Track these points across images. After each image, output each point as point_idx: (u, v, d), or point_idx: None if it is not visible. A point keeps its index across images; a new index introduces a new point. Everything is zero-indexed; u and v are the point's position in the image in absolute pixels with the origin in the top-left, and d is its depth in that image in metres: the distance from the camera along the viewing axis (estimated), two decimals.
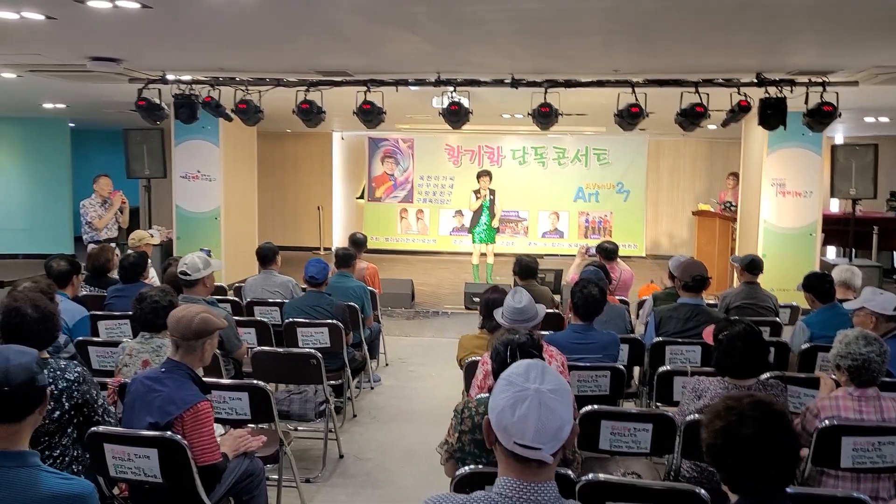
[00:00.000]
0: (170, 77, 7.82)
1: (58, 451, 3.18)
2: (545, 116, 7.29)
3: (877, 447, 3.24)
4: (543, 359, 2.97)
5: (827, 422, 3.27)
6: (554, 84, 7.27)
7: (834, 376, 3.51)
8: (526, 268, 6.20)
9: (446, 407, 3.44)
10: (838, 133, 13.27)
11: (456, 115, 7.43)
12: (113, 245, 8.72)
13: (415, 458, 5.21)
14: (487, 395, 2.98)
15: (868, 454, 3.25)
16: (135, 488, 3.34)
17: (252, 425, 4.19)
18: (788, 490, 2.75)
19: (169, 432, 3.12)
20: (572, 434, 1.82)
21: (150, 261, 6.90)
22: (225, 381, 4.26)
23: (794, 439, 2.01)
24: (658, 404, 4.54)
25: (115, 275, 6.30)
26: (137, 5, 4.71)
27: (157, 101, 7.86)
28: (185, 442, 3.10)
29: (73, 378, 3.18)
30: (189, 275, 4.90)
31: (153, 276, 6.66)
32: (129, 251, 6.40)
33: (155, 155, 10.16)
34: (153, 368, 3.45)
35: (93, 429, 3.20)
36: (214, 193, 10.34)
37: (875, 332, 4.11)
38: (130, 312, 5.25)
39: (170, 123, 9.33)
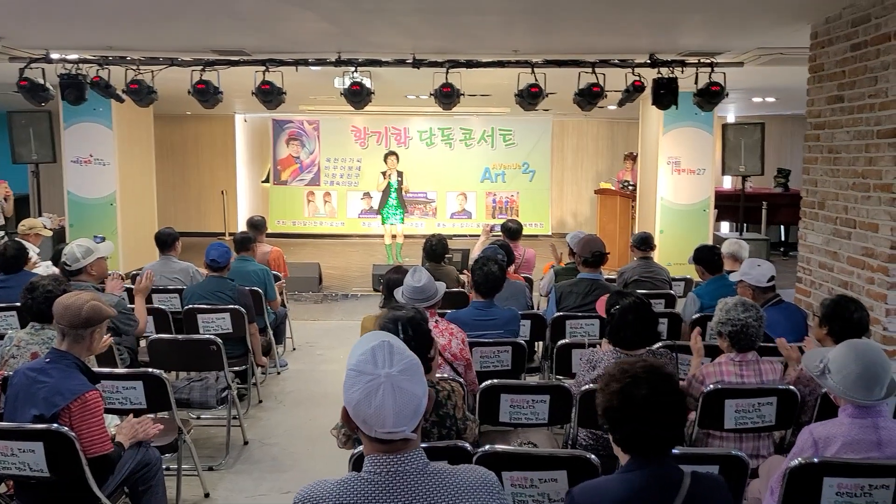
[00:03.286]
0: (54, 56, 7.43)
1: None
2: (447, 97, 7.32)
3: (756, 408, 3.44)
4: (430, 331, 2.99)
5: (712, 386, 3.44)
6: (455, 64, 7.30)
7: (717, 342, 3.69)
8: (432, 252, 6.24)
9: None
10: (730, 113, 13.87)
11: (358, 96, 7.37)
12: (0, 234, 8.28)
13: (321, 442, 5.16)
14: None
15: (749, 415, 3.44)
16: (20, 484, 3.21)
17: (150, 415, 4.08)
18: (675, 451, 2.90)
19: (55, 424, 3.00)
20: (429, 402, 1.83)
21: (38, 249, 6.61)
22: (118, 370, 4.13)
23: (681, 400, 2.12)
24: (559, 377, 4.67)
25: None
26: None
27: (42, 82, 7.46)
28: (73, 434, 2.99)
29: None
30: (69, 266, 4.73)
31: (41, 264, 6.36)
32: (6, 241, 6.05)
33: (43, 139, 9.65)
34: (37, 360, 3.30)
35: None
36: (109, 178, 9.93)
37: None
38: (17, 303, 5.02)
39: (57, 105, 8.88)
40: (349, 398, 1.79)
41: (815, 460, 2.65)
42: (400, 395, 1.75)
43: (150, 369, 3.96)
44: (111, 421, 3.81)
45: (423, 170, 14.64)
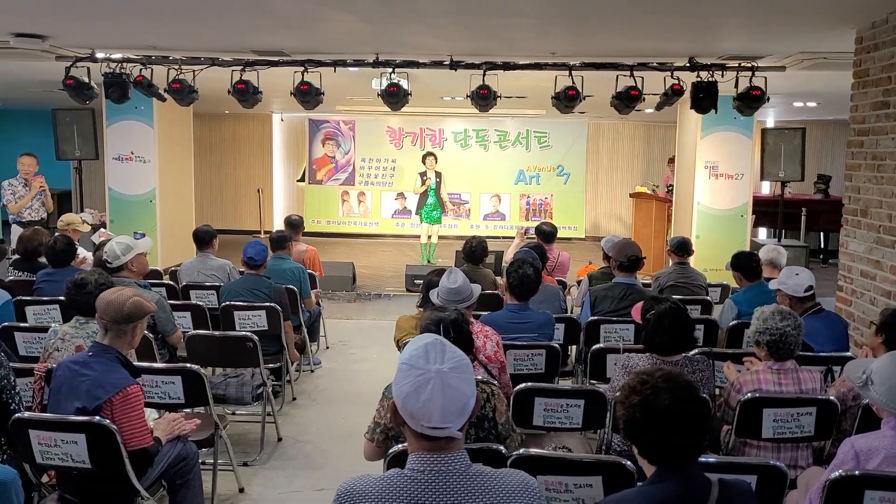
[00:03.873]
0: (99, 55, 7.58)
1: None
2: (484, 98, 7.32)
3: (795, 418, 3.38)
4: (471, 336, 3.00)
5: (749, 395, 3.39)
6: (492, 66, 7.30)
7: (751, 359, 3.65)
8: (471, 254, 6.24)
9: None
10: (770, 118, 13.67)
11: (395, 97, 7.40)
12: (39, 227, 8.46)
13: (354, 440, 5.14)
14: None
15: (787, 424, 3.39)
16: (63, 474, 3.27)
17: (187, 410, 4.14)
18: (711, 459, 2.88)
19: (98, 417, 3.06)
20: (476, 403, 1.86)
21: (78, 244, 6.77)
22: (158, 364, 4.19)
23: (704, 407, 2.09)
24: (592, 381, 4.65)
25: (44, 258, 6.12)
26: None
27: (87, 81, 7.62)
28: (115, 426, 3.05)
29: None
30: (111, 263, 4.82)
31: (87, 258, 6.52)
32: (57, 235, 6.22)
33: (86, 136, 9.85)
34: (80, 353, 3.37)
35: (17, 415, 3.13)
36: (149, 176, 10.11)
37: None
38: (61, 297, 5.13)
39: (101, 103, 9.06)
40: (399, 391, 1.82)
41: (857, 473, 2.60)
42: (448, 391, 1.78)
43: (188, 364, 4.01)
44: (149, 415, 3.88)
45: (458, 171, 14.64)
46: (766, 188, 13.36)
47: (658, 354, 3.59)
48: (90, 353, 3.25)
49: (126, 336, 3.31)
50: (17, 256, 6.27)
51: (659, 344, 3.59)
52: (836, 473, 2.62)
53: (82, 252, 6.66)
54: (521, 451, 2.80)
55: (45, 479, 3.45)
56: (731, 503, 2.01)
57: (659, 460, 2.06)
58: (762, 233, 12.73)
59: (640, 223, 11.62)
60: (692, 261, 7.13)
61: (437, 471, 1.81)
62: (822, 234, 12.59)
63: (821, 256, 12.41)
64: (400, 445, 2.80)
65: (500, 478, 1.85)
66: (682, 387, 2.06)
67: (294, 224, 7.45)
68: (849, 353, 4.20)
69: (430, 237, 11.45)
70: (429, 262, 11.30)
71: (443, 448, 1.82)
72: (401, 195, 15.00)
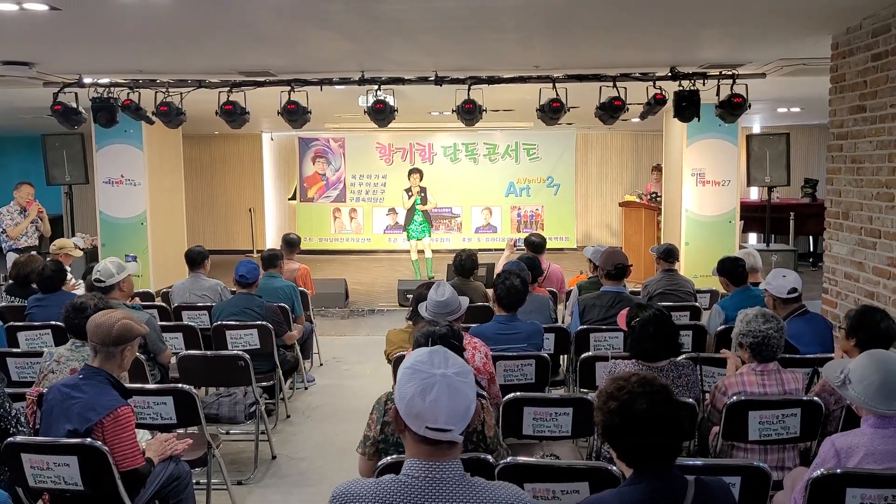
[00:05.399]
0: (86, 80, 7.63)
1: None
2: (469, 113, 7.39)
3: (780, 419, 3.43)
4: (465, 350, 3.04)
5: (735, 398, 3.44)
6: (477, 81, 7.37)
7: (738, 353, 3.69)
8: (460, 267, 6.28)
9: None
10: (756, 123, 13.79)
11: (381, 114, 7.47)
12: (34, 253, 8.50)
13: (349, 456, 5.14)
14: None
15: (773, 426, 3.43)
16: (56, 497, 3.29)
17: (180, 430, 4.16)
18: (697, 462, 2.92)
19: (89, 439, 3.09)
20: (476, 411, 1.91)
21: (69, 268, 6.79)
22: (149, 385, 4.22)
23: (680, 408, 2.14)
24: (583, 390, 4.68)
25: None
26: (45, 7, 4.61)
27: (74, 106, 7.67)
28: (106, 448, 3.07)
29: None
30: (103, 281, 4.87)
31: (80, 286, 6.54)
32: (47, 260, 6.24)
33: (76, 160, 9.90)
34: (71, 376, 3.40)
35: (9, 439, 3.14)
36: (140, 198, 10.12)
37: (778, 312, 4.35)
38: (52, 322, 5.16)
39: (90, 128, 9.10)
40: (402, 393, 1.86)
41: (838, 471, 2.64)
42: (454, 394, 1.83)
43: (179, 385, 4.04)
44: (142, 436, 3.90)
45: (448, 185, 14.73)
46: (754, 194, 13.46)
47: (644, 361, 3.64)
48: (80, 376, 3.28)
49: (116, 358, 3.33)
50: (10, 282, 6.28)
51: (645, 350, 3.64)
52: (818, 472, 2.66)
53: (73, 278, 6.69)
54: (509, 459, 2.83)
55: (39, 502, 3.47)
56: (707, 501, 2.05)
57: (637, 462, 2.10)
58: (752, 238, 12.81)
59: (630, 231, 11.68)
60: (682, 267, 7.19)
61: (432, 477, 1.84)
62: (810, 237, 12.67)
63: (810, 260, 12.48)
64: (389, 458, 2.83)
65: (494, 489, 1.89)
66: (658, 390, 2.11)
67: (291, 242, 7.48)
68: (833, 355, 4.25)
69: (421, 252, 11.48)
70: (429, 277, 11.33)
71: (443, 454, 1.86)
72: (392, 210, 15.06)
